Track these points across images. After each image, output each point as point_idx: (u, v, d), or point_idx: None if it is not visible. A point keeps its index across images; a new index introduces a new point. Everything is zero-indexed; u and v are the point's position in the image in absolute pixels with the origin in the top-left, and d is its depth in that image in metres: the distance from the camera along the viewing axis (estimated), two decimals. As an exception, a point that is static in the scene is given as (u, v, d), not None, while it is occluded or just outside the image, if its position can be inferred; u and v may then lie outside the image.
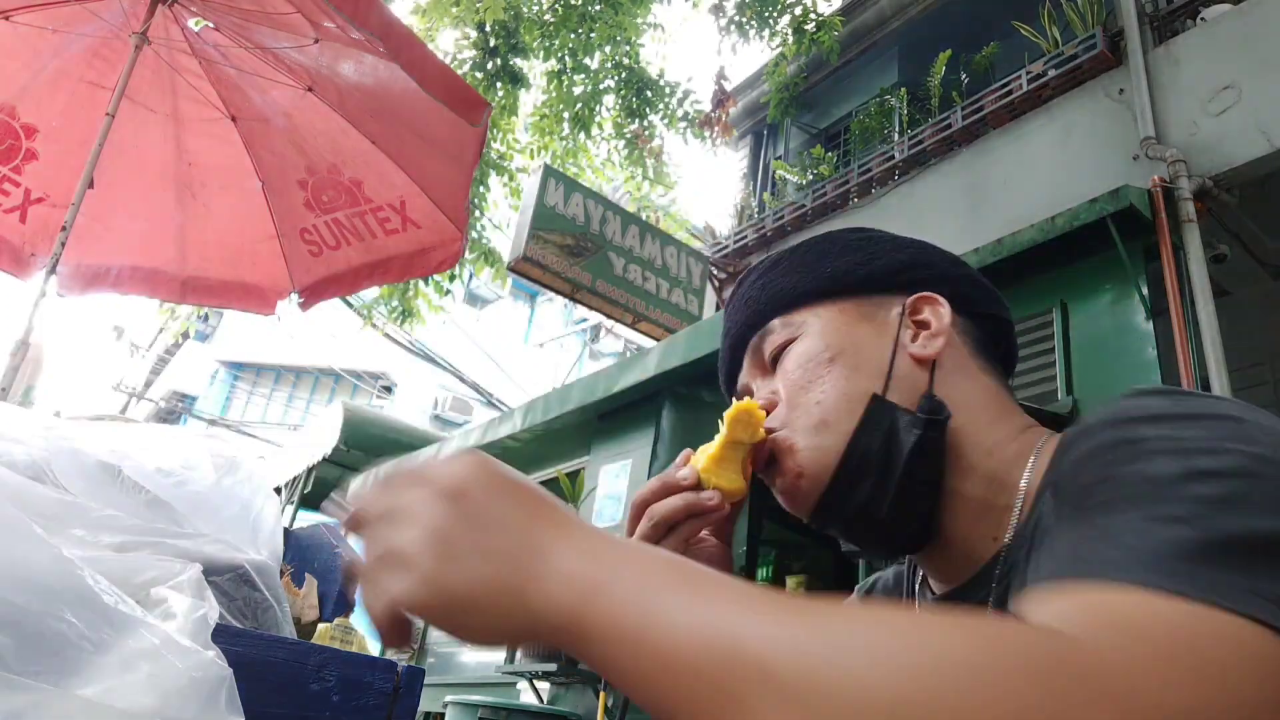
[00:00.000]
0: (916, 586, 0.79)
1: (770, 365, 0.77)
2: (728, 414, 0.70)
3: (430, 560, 0.44)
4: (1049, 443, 0.65)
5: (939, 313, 0.73)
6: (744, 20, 7.29)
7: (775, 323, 0.76)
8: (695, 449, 0.72)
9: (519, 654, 4.21)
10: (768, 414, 0.74)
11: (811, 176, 6.70)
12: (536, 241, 5.81)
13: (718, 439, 0.70)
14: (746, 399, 0.71)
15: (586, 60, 7.38)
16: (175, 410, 17.62)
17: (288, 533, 1.89)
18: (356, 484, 0.52)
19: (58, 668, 0.70)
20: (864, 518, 0.67)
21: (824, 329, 0.73)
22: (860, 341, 0.71)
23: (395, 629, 0.46)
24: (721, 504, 0.68)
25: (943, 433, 0.66)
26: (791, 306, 0.76)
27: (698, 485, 0.68)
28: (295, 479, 7.19)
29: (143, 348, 18.10)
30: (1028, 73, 5.14)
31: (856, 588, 0.94)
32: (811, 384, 0.70)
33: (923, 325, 0.72)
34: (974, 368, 0.72)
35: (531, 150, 7.37)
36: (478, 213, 6.80)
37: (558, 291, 6.07)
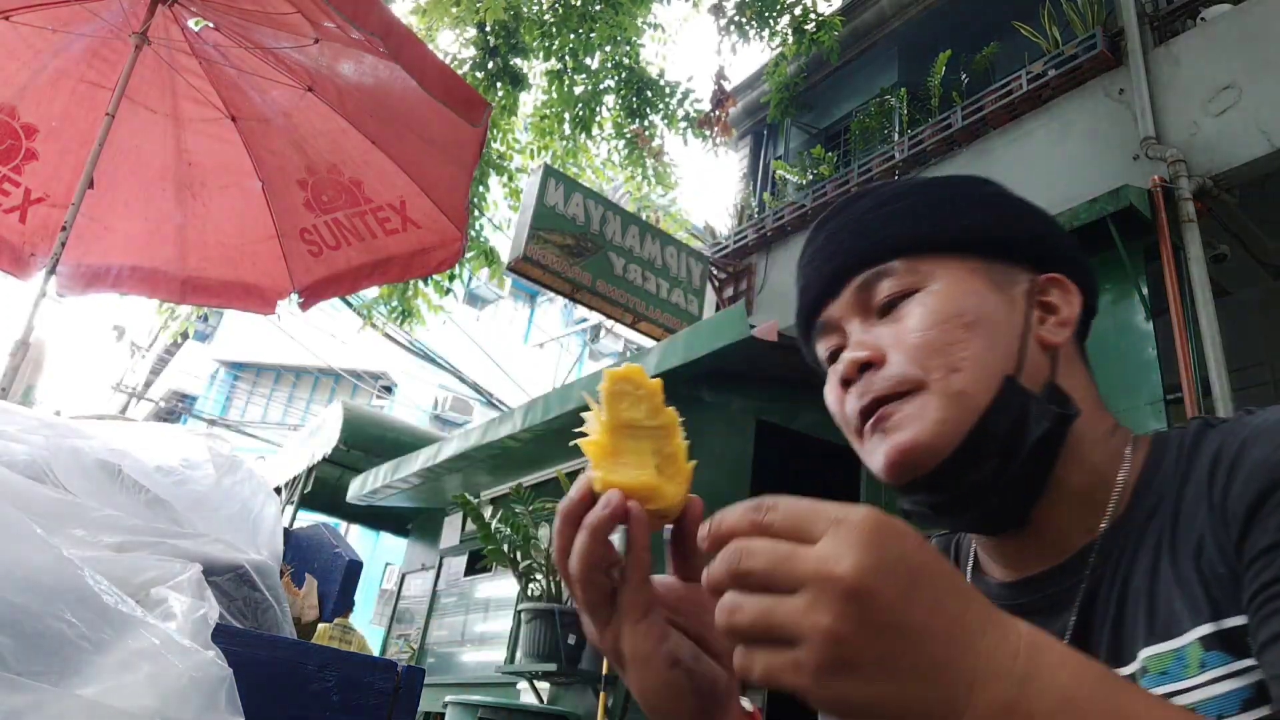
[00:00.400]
0: (969, 569, 0.76)
1: (880, 310, 0.69)
2: (603, 385, 0.55)
3: (826, 664, 0.39)
4: (1141, 441, 0.67)
5: (1070, 300, 0.70)
6: (744, 20, 7.29)
7: (897, 264, 0.69)
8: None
9: (519, 654, 4.21)
10: (872, 366, 0.66)
11: (811, 176, 6.70)
12: (536, 241, 5.81)
13: (594, 424, 0.56)
14: (627, 366, 0.57)
15: (587, 60, 7.38)
16: (175, 410, 17.62)
17: (288, 533, 1.89)
18: (732, 511, 0.44)
19: (58, 668, 0.70)
20: (971, 498, 0.64)
21: (956, 289, 0.67)
22: (994, 313, 0.66)
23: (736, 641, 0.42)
24: (635, 508, 0.53)
25: (1069, 427, 0.65)
26: (917, 250, 0.69)
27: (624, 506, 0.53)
28: (295, 479, 7.19)
29: (143, 348, 18.10)
30: (1028, 73, 5.14)
31: None
32: (951, 347, 0.64)
33: (1049, 308, 0.69)
34: (1078, 358, 0.71)
35: (531, 150, 7.37)
36: (477, 213, 6.80)
37: (558, 291, 6.07)
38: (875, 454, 0.66)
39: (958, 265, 0.68)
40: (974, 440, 0.62)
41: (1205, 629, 0.55)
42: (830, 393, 0.73)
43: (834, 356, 0.73)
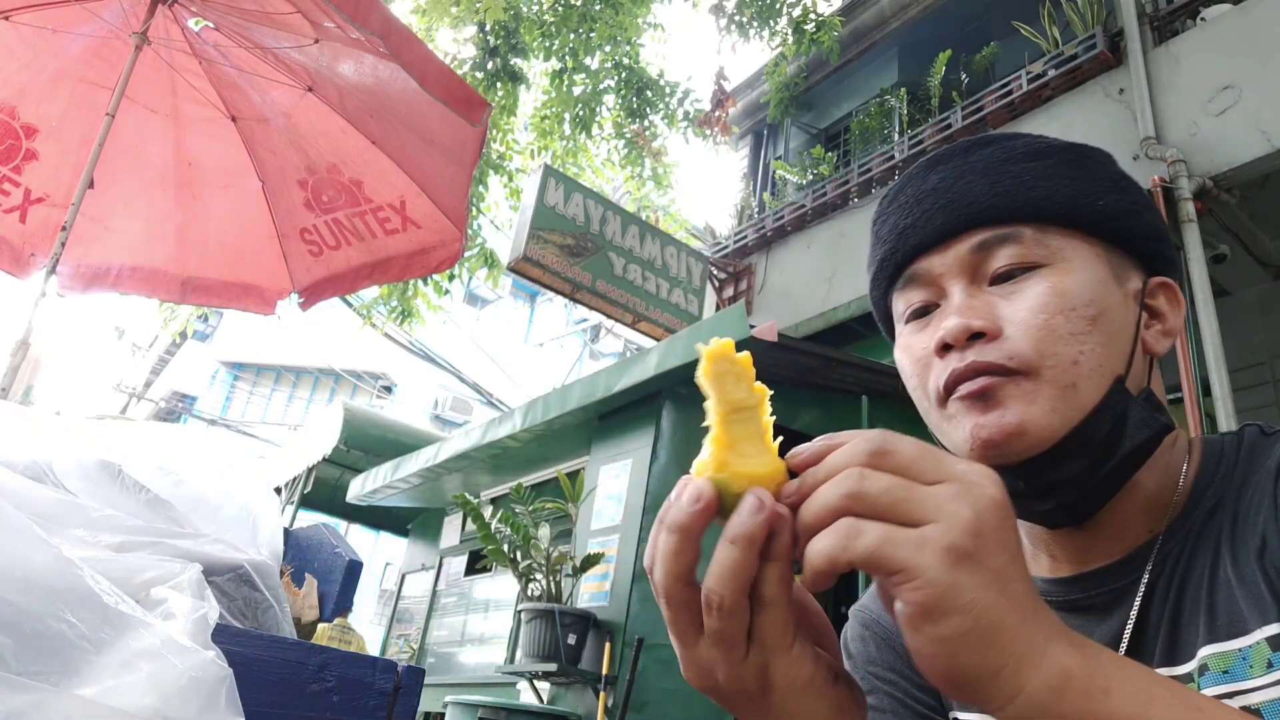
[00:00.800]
0: None
1: (992, 279, 0.64)
2: (706, 368, 0.50)
3: (956, 548, 0.39)
4: (1194, 444, 0.67)
5: (1176, 310, 0.68)
6: (744, 20, 7.29)
7: (1028, 231, 0.63)
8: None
9: (519, 654, 4.21)
10: (983, 337, 0.61)
11: (811, 176, 6.70)
12: (536, 241, 5.81)
13: (711, 415, 0.50)
14: (719, 342, 0.50)
15: (587, 60, 7.38)
16: (175, 410, 17.62)
17: (288, 533, 1.89)
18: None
19: (58, 668, 0.70)
20: (1052, 492, 0.62)
21: (1085, 274, 0.62)
22: (1115, 309, 0.63)
23: (828, 578, 0.41)
24: (769, 510, 0.44)
25: (1165, 437, 0.63)
26: (1049, 221, 0.64)
27: (717, 503, 0.45)
28: (295, 479, 7.19)
29: (143, 348, 18.10)
30: (1028, 73, 5.14)
31: None
32: (1074, 338, 0.60)
33: (1155, 314, 0.67)
34: (1158, 366, 0.69)
35: (531, 150, 7.37)
36: (477, 213, 6.81)
37: (558, 291, 6.07)
38: (962, 426, 0.62)
39: (1085, 246, 0.64)
40: (1074, 438, 0.60)
41: (1273, 628, 0.54)
42: (910, 351, 0.67)
43: (920, 313, 0.68)
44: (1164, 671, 0.59)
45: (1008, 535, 0.40)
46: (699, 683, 0.48)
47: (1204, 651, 0.58)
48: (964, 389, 0.61)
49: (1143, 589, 0.63)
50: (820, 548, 0.41)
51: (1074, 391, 0.60)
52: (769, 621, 0.45)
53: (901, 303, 0.70)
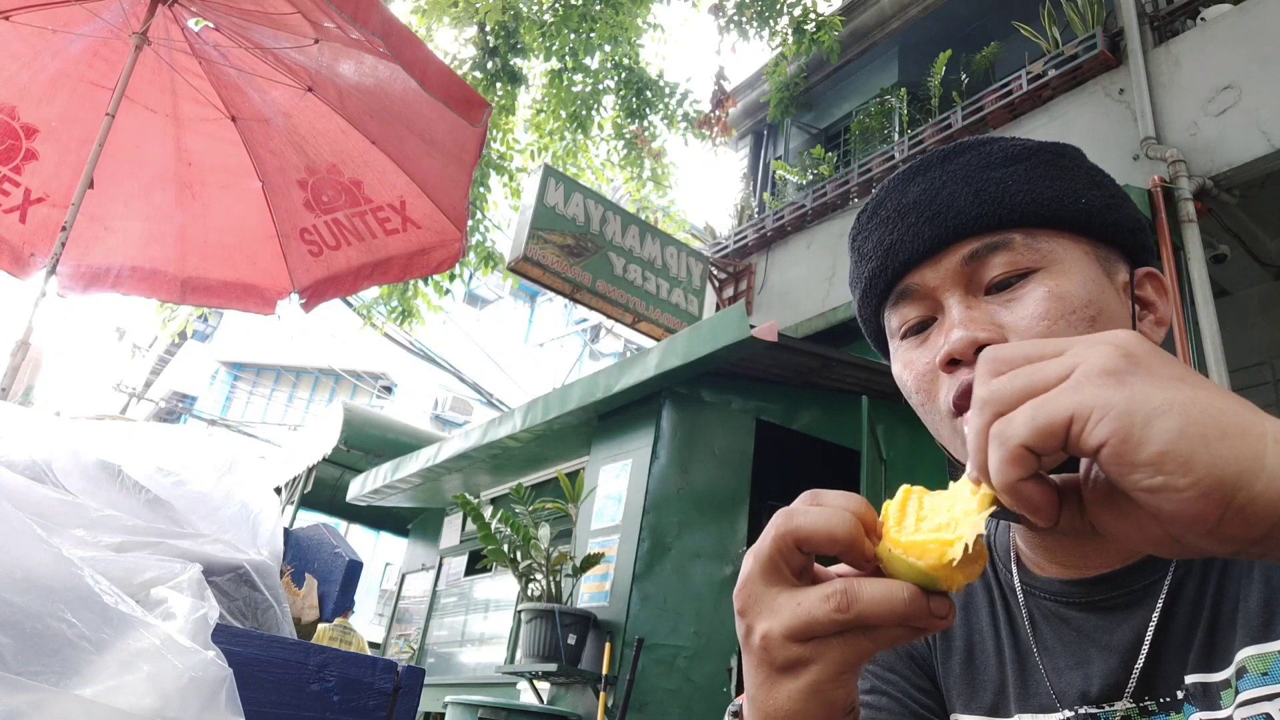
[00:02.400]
0: (1013, 566, 0.72)
1: (987, 287, 0.63)
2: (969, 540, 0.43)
3: (1112, 365, 0.37)
4: None
5: (1165, 299, 0.68)
6: (744, 20, 7.29)
7: (1018, 237, 0.63)
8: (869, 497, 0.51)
9: (519, 654, 4.21)
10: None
11: (811, 176, 6.70)
12: (536, 241, 5.81)
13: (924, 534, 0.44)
14: (911, 489, 0.46)
15: (586, 60, 7.38)
16: (175, 410, 17.62)
17: (288, 533, 1.89)
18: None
19: (58, 668, 0.70)
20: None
21: (1078, 275, 0.62)
22: (1111, 305, 0.63)
23: (1038, 501, 0.40)
24: (947, 616, 0.43)
25: None
26: (1038, 224, 0.63)
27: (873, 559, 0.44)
28: (295, 479, 7.19)
29: (143, 348, 18.11)
30: (1028, 73, 5.14)
31: None
32: None
33: (1146, 304, 0.67)
34: None
35: (531, 150, 7.38)
36: (479, 214, 6.81)
37: (558, 291, 6.07)
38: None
39: (1073, 246, 0.64)
40: None
41: None
42: (912, 366, 0.67)
43: (917, 329, 0.67)
44: (1200, 678, 0.58)
45: (1164, 356, 0.38)
46: (740, 603, 0.48)
47: (1242, 654, 0.57)
48: None
49: (1166, 588, 0.62)
50: (994, 468, 0.40)
51: None
52: (855, 644, 0.44)
53: (896, 319, 0.69)
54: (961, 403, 0.62)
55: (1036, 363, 0.40)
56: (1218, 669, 0.58)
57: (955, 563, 0.41)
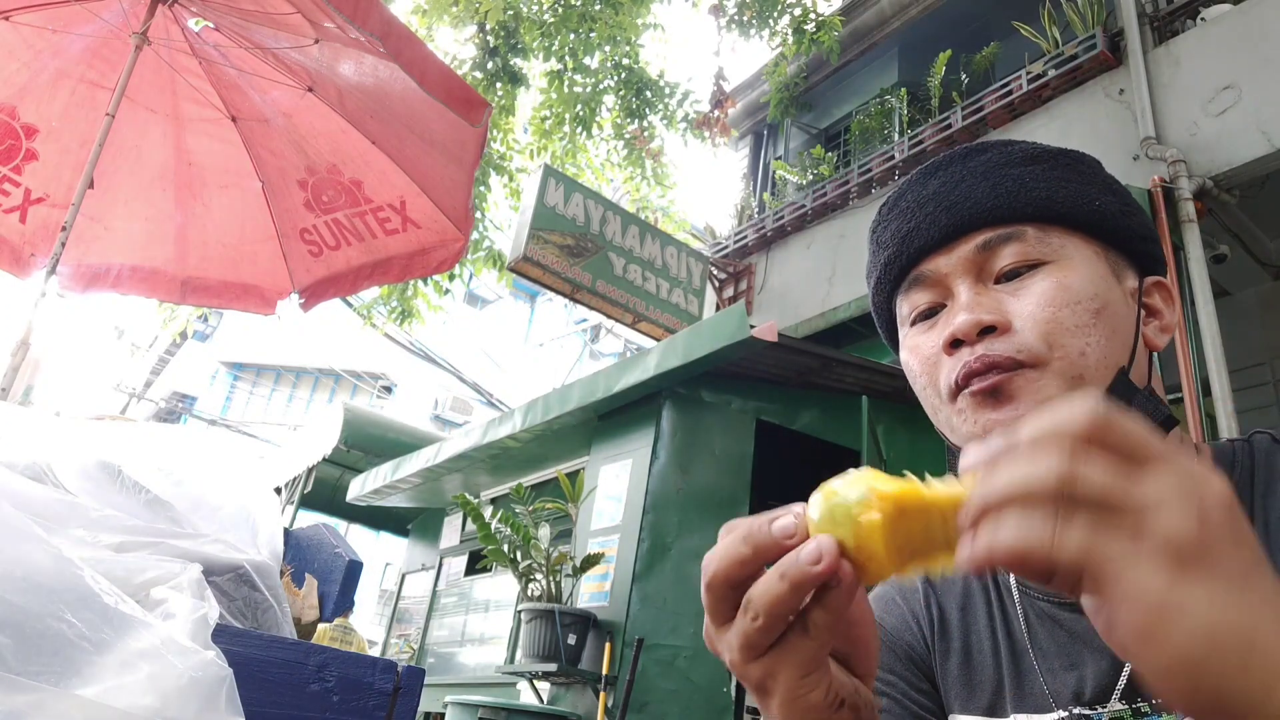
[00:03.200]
0: (1010, 575, 0.73)
1: (997, 277, 0.65)
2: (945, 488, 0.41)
3: (1175, 555, 0.32)
4: (1202, 448, 0.68)
5: (1171, 307, 0.70)
6: (744, 20, 7.29)
7: (1030, 230, 0.65)
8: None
9: (519, 654, 4.21)
10: (994, 331, 0.62)
11: (811, 176, 6.70)
12: (536, 241, 5.81)
13: (867, 514, 0.41)
14: (955, 486, 0.41)
15: (586, 60, 7.38)
16: (175, 410, 17.62)
17: (288, 533, 1.89)
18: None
19: (58, 668, 0.70)
20: None
21: (1086, 270, 0.64)
22: (1116, 303, 0.64)
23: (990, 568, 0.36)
24: (847, 573, 0.42)
25: (1169, 430, 0.64)
26: (1049, 220, 0.65)
27: (838, 563, 0.42)
28: (295, 479, 7.19)
29: (143, 348, 18.11)
30: (1028, 73, 5.14)
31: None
32: (1080, 330, 0.61)
33: (1153, 311, 0.68)
34: (1154, 362, 0.70)
35: (531, 150, 7.38)
36: (479, 214, 6.81)
37: (558, 291, 6.07)
38: (972, 421, 0.63)
39: (1084, 245, 0.66)
40: None
41: None
42: (918, 350, 0.68)
43: (927, 315, 0.69)
44: None
45: (1241, 529, 0.34)
46: (712, 649, 0.49)
47: None
48: (975, 385, 0.62)
49: None
50: (1008, 537, 0.35)
51: (1081, 382, 0.61)
52: (797, 645, 0.44)
53: (906, 305, 0.71)
54: (963, 383, 0.63)
55: (1131, 471, 0.34)
56: None
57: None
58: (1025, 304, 0.63)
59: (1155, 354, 0.70)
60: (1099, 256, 0.66)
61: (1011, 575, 0.72)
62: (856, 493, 0.42)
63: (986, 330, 0.62)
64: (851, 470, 0.45)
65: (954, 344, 0.64)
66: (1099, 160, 0.72)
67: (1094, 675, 0.63)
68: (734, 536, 0.47)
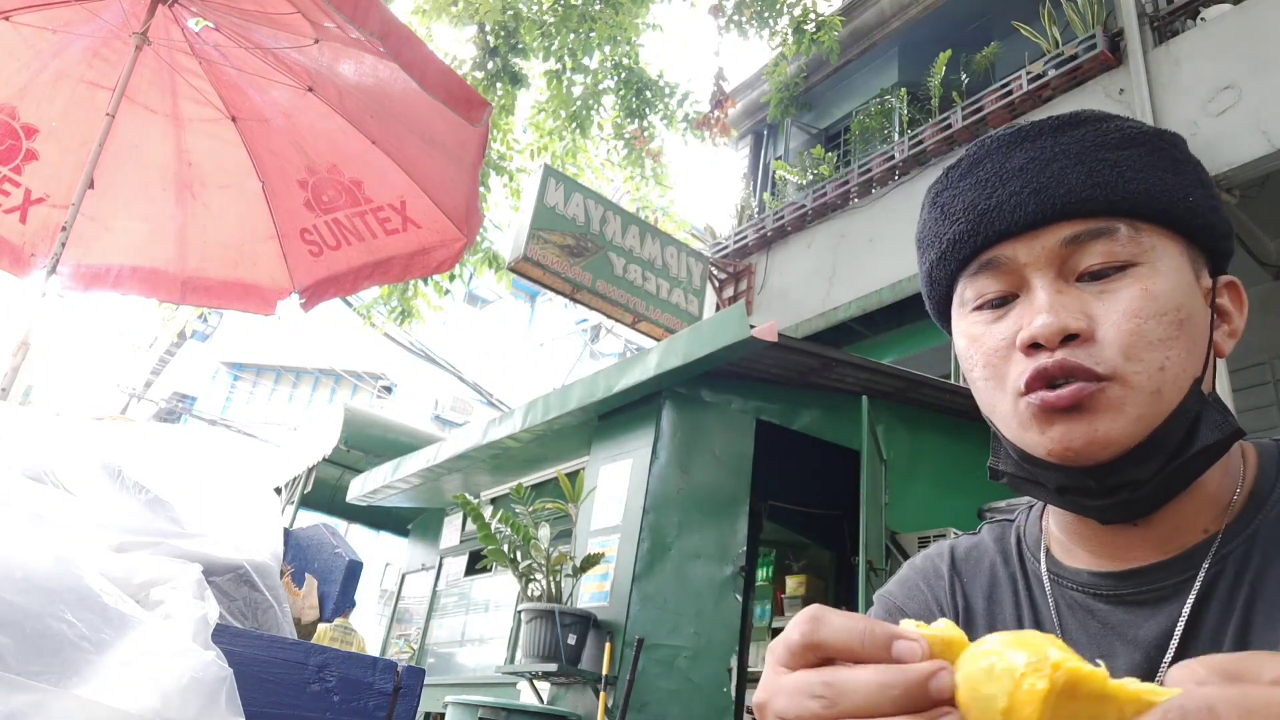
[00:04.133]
0: (1042, 555, 0.72)
1: (1081, 276, 0.61)
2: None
3: None
4: (1247, 448, 0.67)
5: (1241, 311, 0.67)
6: (743, 20, 7.30)
7: (1123, 227, 0.60)
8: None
9: (519, 654, 4.21)
10: (1077, 338, 0.59)
11: (811, 176, 6.70)
12: (536, 241, 5.81)
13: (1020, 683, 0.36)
14: (1148, 687, 0.36)
15: (586, 60, 7.39)
16: (175, 410, 17.62)
17: (288, 533, 1.89)
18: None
19: (58, 668, 0.70)
20: (1118, 489, 0.60)
21: (1175, 276, 0.61)
22: (1197, 311, 0.61)
23: None
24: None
25: (1236, 441, 0.63)
26: (1145, 216, 0.61)
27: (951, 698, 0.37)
28: (295, 479, 7.19)
29: (143, 347, 18.11)
30: (1028, 73, 5.14)
31: (924, 555, 0.82)
32: (1163, 344, 0.58)
33: (1223, 313, 0.66)
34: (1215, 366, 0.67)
35: (531, 150, 7.38)
36: (481, 216, 6.81)
37: (558, 291, 6.07)
38: (1040, 430, 0.60)
39: (1172, 245, 0.62)
40: (1151, 441, 0.58)
41: None
42: (981, 341, 0.65)
43: (996, 304, 0.64)
44: None
45: None
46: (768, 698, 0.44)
47: None
48: (1048, 396, 0.59)
49: (1198, 586, 0.61)
50: None
51: (1158, 397, 0.59)
52: None
53: (972, 290, 0.66)
54: (1033, 385, 0.60)
55: None
56: None
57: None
58: (1111, 311, 0.59)
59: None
60: (1183, 256, 0.62)
61: (1042, 562, 0.71)
62: (1028, 656, 0.36)
63: (1069, 337, 0.59)
64: (1026, 631, 0.39)
65: (1033, 346, 0.60)
66: (1186, 142, 0.67)
67: (1125, 668, 0.62)
68: (854, 631, 0.41)
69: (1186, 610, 0.61)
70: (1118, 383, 0.58)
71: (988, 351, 0.64)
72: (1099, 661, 0.37)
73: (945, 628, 0.41)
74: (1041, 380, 0.59)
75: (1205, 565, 0.61)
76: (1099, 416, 0.58)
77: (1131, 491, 0.60)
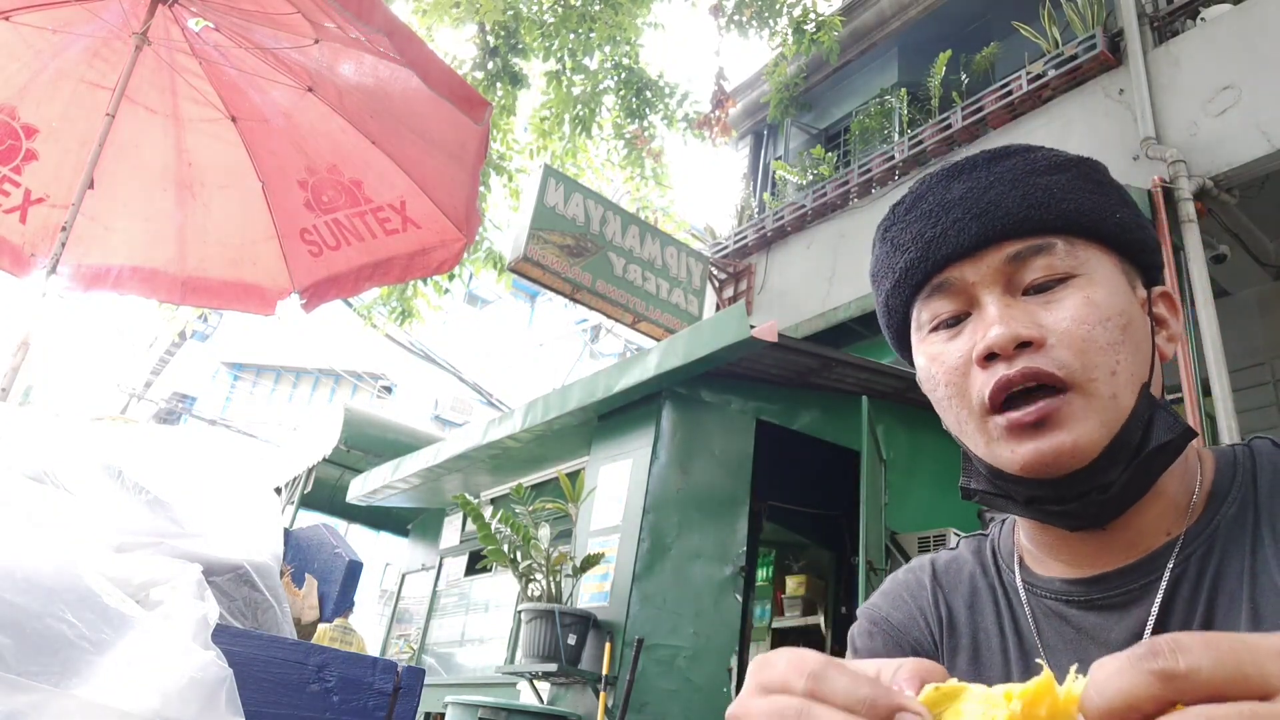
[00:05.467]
0: (1016, 567, 0.74)
1: (1024, 290, 0.65)
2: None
3: None
4: (1203, 453, 0.70)
5: (1176, 317, 0.71)
6: (743, 20, 7.30)
7: (1059, 243, 0.65)
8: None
9: (519, 654, 4.21)
10: (1030, 346, 0.62)
11: (811, 176, 6.70)
12: (536, 242, 5.81)
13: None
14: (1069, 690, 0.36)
15: (586, 60, 7.39)
16: (175, 410, 17.62)
17: (288, 533, 1.89)
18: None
19: (58, 668, 0.70)
20: (1083, 497, 0.63)
21: (1112, 285, 0.65)
22: (1137, 317, 0.65)
23: None
24: None
25: (1189, 442, 0.65)
26: (1078, 233, 0.65)
27: None
28: (295, 479, 7.19)
29: (143, 347, 18.10)
30: (1028, 73, 5.14)
31: (906, 569, 0.84)
32: (1111, 348, 0.62)
33: (1160, 321, 0.69)
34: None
35: (531, 150, 7.38)
36: (481, 216, 6.81)
37: (558, 292, 6.07)
38: (1009, 447, 0.63)
39: (1106, 258, 0.66)
40: (1114, 446, 0.61)
41: None
42: (941, 359, 0.67)
43: (950, 323, 0.68)
44: None
45: None
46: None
47: None
48: (1016, 414, 0.62)
49: (1164, 587, 0.64)
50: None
51: (1115, 402, 0.61)
52: None
53: (927, 312, 0.70)
54: (997, 397, 0.63)
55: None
56: None
57: None
58: (1060, 319, 0.62)
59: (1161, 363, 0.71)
60: (1118, 269, 0.66)
61: (1017, 573, 0.74)
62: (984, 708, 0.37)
63: (1022, 345, 0.62)
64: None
65: (988, 358, 0.63)
66: (1105, 169, 0.72)
67: None
68: (856, 698, 0.39)
69: (1155, 610, 0.64)
70: (1078, 393, 0.61)
71: (948, 369, 0.67)
72: (1075, 667, 0.38)
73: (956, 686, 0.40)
74: (1003, 390, 0.62)
75: (1169, 567, 0.64)
76: (1066, 428, 0.61)
77: (1101, 494, 0.63)
